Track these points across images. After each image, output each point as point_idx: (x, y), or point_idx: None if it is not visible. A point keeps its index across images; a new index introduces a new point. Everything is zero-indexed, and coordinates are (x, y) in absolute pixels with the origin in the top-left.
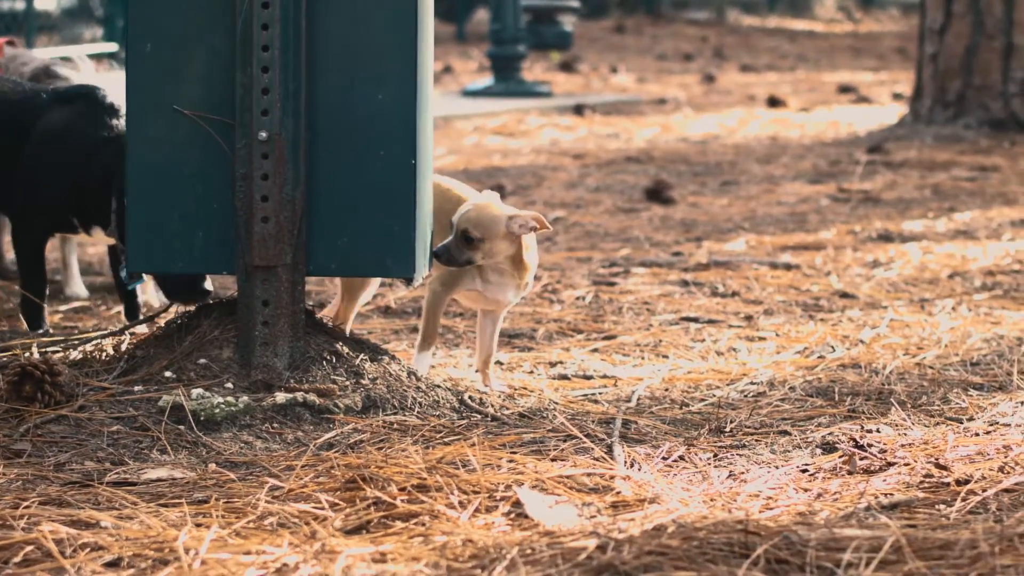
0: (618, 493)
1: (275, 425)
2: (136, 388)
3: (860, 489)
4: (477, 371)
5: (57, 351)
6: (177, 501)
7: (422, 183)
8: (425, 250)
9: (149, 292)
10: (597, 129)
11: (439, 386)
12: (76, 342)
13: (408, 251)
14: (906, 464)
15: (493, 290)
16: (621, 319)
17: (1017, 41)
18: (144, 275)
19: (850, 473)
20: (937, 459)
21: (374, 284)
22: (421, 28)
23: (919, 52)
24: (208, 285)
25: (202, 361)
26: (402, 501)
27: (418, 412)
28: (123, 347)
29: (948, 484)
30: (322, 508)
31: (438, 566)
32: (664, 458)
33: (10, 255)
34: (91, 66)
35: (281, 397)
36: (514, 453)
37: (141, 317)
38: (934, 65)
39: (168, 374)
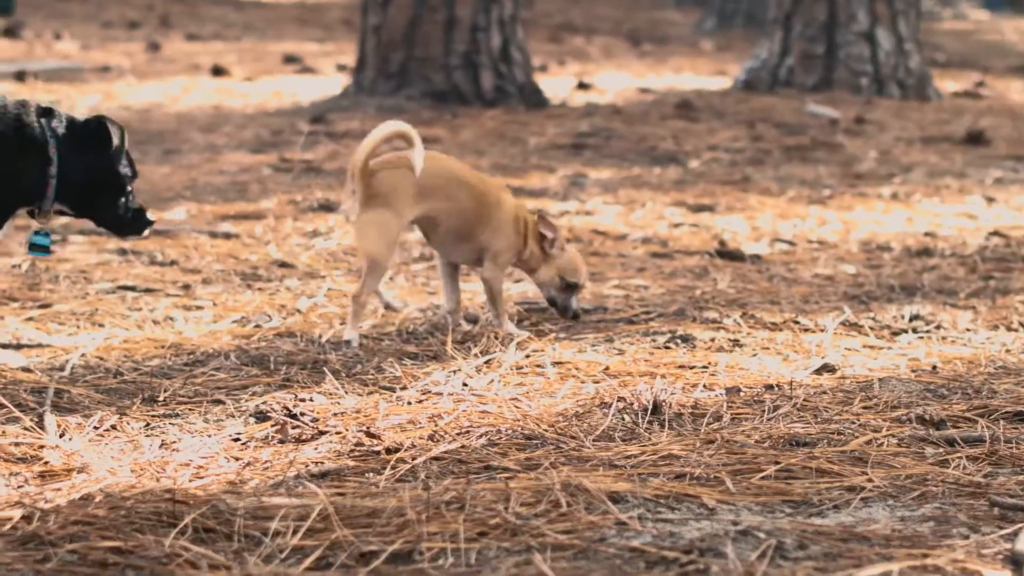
0: (46, 463)
1: None
2: None
3: (290, 458)
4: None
5: None
6: None
7: None
8: None
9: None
10: (39, 96)
11: None
12: None
13: None
14: (338, 432)
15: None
16: (57, 287)
17: (459, 14)
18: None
19: (282, 442)
20: (368, 428)
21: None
22: None
23: (362, 23)
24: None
25: None
26: None
27: None
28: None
29: (379, 452)
30: None
31: None
32: (96, 427)
33: None
34: None
35: None
36: None
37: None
38: (377, 37)
39: None
